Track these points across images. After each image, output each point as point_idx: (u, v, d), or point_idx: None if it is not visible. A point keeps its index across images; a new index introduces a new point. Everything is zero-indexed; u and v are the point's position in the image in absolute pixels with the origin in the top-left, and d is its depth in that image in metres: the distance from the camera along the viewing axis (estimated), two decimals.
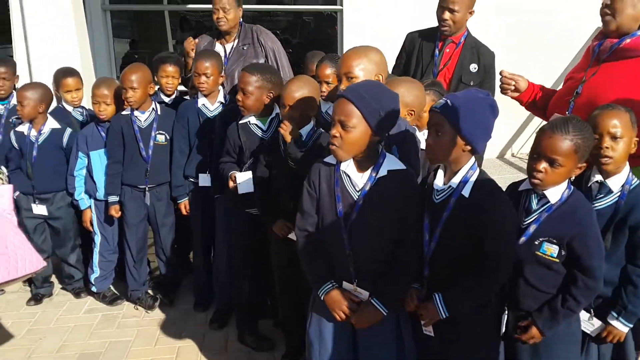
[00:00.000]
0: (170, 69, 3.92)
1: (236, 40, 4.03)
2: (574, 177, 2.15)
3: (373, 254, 2.12)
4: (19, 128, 3.76)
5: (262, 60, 4.00)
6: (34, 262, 2.32)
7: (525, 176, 2.22)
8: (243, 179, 2.93)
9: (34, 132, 3.73)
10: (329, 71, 3.06)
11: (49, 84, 3.91)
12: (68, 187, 3.77)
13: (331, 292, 2.16)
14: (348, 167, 2.14)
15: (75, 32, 4.46)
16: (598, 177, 2.29)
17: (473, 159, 2.08)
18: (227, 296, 3.56)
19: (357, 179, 2.12)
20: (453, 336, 2.11)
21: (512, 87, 3.02)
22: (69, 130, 3.82)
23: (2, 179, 1.99)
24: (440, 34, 3.74)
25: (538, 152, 2.07)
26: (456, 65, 3.71)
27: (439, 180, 2.10)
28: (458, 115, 1.96)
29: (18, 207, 3.80)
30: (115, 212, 3.67)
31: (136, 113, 3.58)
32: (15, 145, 3.74)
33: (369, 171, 2.12)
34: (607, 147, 2.23)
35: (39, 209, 3.79)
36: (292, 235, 2.67)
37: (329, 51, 3.93)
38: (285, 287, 3.00)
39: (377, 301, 2.09)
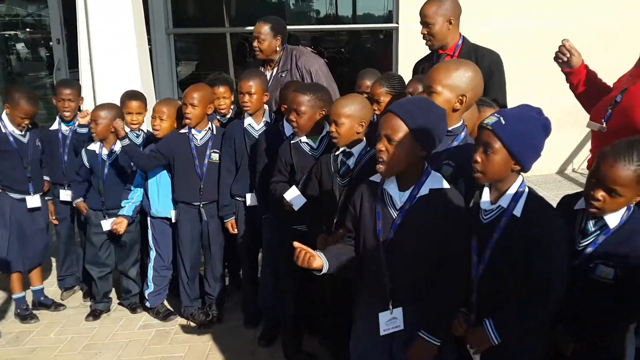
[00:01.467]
0: (221, 89, 4.01)
1: (276, 68, 4.08)
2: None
3: (410, 275, 2.08)
4: (91, 147, 3.94)
5: None
6: None
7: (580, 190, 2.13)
8: (292, 195, 2.95)
9: (105, 151, 3.91)
10: (381, 90, 3.04)
11: None
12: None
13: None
14: (390, 185, 2.11)
15: (138, 56, 4.64)
16: None
17: (521, 177, 2.00)
18: (273, 314, 3.56)
19: (397, 198, 2.09)
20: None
21: (565, 58, 2.89)
22: None
23: None
24: (436, 51, 3.54)
25: (597, 179, 1.98)
26: None
27: (486, 200, 2.03)
28: (511, 134, 1.90)
29: (87, 223, 3.98)
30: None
31: (193, 131, 3.69)
32: (87, 163, 3.93)
33: (410, 190, 2.07)
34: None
35: (108, 224, 3.92)
36: None
37: (384, 69, 3.90)
38: (332, 305, 2.98)
39: (427, 334, 2.04)
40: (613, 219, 2.01)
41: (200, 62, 8.46)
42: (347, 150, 2.75)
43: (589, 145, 6.40)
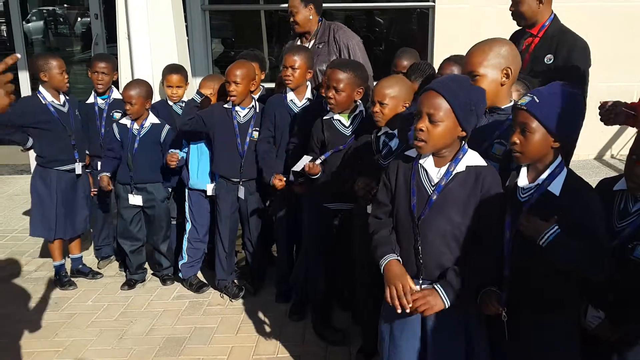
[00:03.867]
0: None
1: (313, 40, 4.08)
2: None
3: (443, 252, 2.06)
4: (122, 121, 4.01)
5: (333, 58, 4.00)
6: None
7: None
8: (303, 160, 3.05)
9: (136, 126, 3.97)
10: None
11: (150, 80, 4.14)
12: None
13: (392, 262, 2.08)
14: (426, 161, 2.09)
15: (174, 32, 4.69)
16: None
17: (560, 156, 1.98)
18: (303, 290, 3.62)
19: (434, 174, 2.07)
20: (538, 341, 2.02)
21: (611, 118, 2.77)
22: (167, 127, 4.03)
23: None
24: (524, 29, 3.46)
25: (638, 154, 1.97)
26: (530, 57, 3.36)
27: (523, 179, 2.01)
28: (546, 111, 1.89)
29: (118, 197, 4.08)
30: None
31: (237, 108, 3.70)
32: (118, 137, 4.00)
33: (446, 166, 2.06)
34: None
35: (135, 199, 4.02)
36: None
37: (420, 48, 3.88)
38: (364, 282, 3.00)
39: (442, 290, 2.00)
40: None
41: (235, 39, 8.47)
42: (390, 131, 2.75)
43: (628, 132, 6.34)
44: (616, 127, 6.52)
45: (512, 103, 2.30)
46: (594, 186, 2.11)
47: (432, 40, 6.51)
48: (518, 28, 3.55)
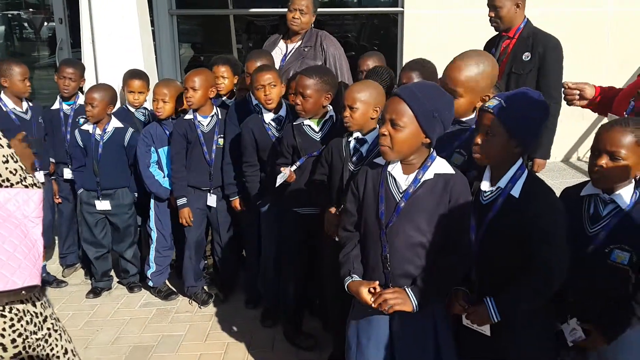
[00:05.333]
0: (221, 69, 3.98)
1: (300, 42, 4.10)
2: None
3: (410, 260, 2.05)
4: (84, 127, 3.92)
5: (319, 63, 4.02)
6: (26, 278, 1.82)
7: (584, 180, 2.13)
8: (281, 175, 3.00)
9: (98, 131, 3.88)
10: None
11: (115, 86, 4.07)
12: (146, 181, 3.84)
13: (351, 282, 2.10)
14: (394, 168, 2.09)
15: (140, 37, 4.63)
16: None
17: (521, 159, 2.01)
18: (273, 296, 3.57)
19: (402, 181, 2.07)
20: (508, 339, 2.03)
21: (577, 97, 2.85)
22: (130, 130, 3.96)
23: (35, 184, 1.91)
24: (500, 33, 3.76)
25: (598, 149, 2.01)
26: (509, 57, 3.68)
27: (486, 182, 2.04)
28: (512, 117, 1.92)
29: (81, 203, 3.99)
30: (187, 217, 3.73)
31: (199, 118, 3.66)
32: (80, 143, 3.91)
33: (414, 173, 2.06)
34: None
35: (103, 205, 3.94)
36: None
37: (390, 54, 3.94)
38: (336, 289, 2.97)
39: (411, 291, 2.00)
40: (623, 199, 2.00)
41: (204, 44, 8.42)
42: (361, 137, 2.74)
43: (594, 133, 6.44)
44: (583, 130, 6.66)
45: (473, 115, 2.34)
46: (558, 193, 2.14)
47: (401, 46, 6.56)
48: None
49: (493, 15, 3.64)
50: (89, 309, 3.90)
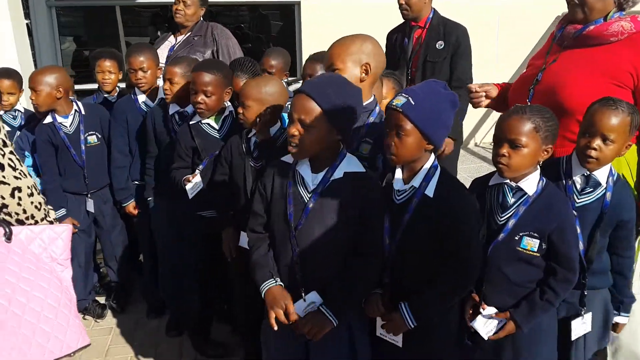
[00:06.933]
0: (107, 63, 3.67)
1: (189, 33, 3.91)
2: (542, 162, 2.04)
3: (322, 262, 1.95)
4: None
5: (208, 52, 3.85)
6: (79, 337, 1.56)
7: (490, 170, 2.12)
8: (192, 184, 2.75)
9: None
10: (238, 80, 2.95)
11: None
12: None
13: (272, 288, 1.96)
14: (302, 166, 1.97)
15: (13, 32, 4.21)
16: (583, 170, 2.11)
17: (433, 156, 1.94)
18: (176, 304, 3.34)
19: (310, 180, 1.95)
20: (416, 339, 1.97)
21: (483, 99, 2.81)
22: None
23: (52, 219, 1.58)
24: (409, 23, 3.82)
25: (499, 138, 2.00)
26: (422, 46, 3.77)
27: (398, 180, 1.96)
28: (422, 114, 1.83)
29: None
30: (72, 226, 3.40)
31: (59, 119, 3.32)
32: None
33: (323, 172, 1.95)
34: (594, 148, 2.04)
35: None
36: (243, 243, 2.52)
37: (288, 45, 3.83)
38: (243, 293, 2.83)
39: (328, 310, 1.91)
40: (529, 186, 2.00)
41: (89, 37, 7.91)
42: None
43: (490, 120, 6.70)
44: (479, 116, 6.89)
45: (372, 99, 2.27)
46: (467, 178, 2.11)
47: (299, 37, 6.46)
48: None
49: (403, 2, 3.73)
50: None
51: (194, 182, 2.74)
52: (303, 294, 1.96)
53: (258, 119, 2.47)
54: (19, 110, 3.76)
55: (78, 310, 3.48)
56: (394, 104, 1.85)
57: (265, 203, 2.06)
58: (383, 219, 1.97)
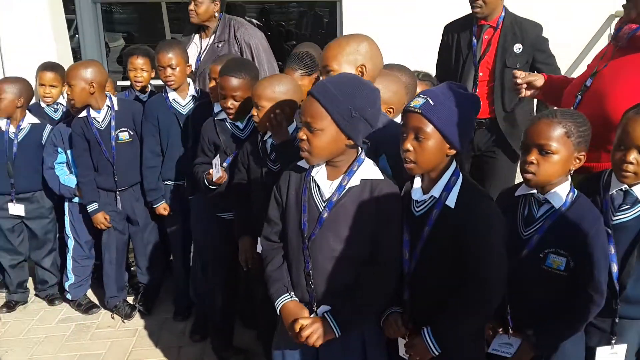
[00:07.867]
0: (139, 61, 3.66)
1: (213, 36, 3.78)
2: (573, 171, 1.88)
3: (335, 275, 1.84)
4: None
5: None
6: None
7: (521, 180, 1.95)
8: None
9: (12, 129, 3.54)
10: (295, 75, 2.81)
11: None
12: (48, 183, 3.54)
13: (287, 304, 1.88)
14: (318, 173, 1.86)
15: (52, 27, 4.26)
16: (621, 185, 1.93)
17: (455, 163, 1.79)
18: (204, 301, 3.27)
19: (326, 188, 1.85)
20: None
21: (523, 90, 2.63)
22: (49, 127, 3.64)
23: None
24: (476, 21, 3.40)
25: (527, 144, 1.85)
26: (497, 50, 3.35)
27: (417, 189, 1.82)
28: (443, 115, 1.69)
29: None
30: (103, 221, 3.42)
31: (93, 114, 3.33)
32: None
33: (339, 179, 1.84)
34: (631, 162, 1.86)
35: (16, 209, 3.59)
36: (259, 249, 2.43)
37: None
38: (266, 297, 2.75)
39: (332, 318, 1.81)
40: (557, 198, 1.84)
41: (137, 33, 8.00)
42: None
43: None
44: None
45: None
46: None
47: (340, 34, 6.33)
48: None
49: None
50: (0, 326, 3.55)
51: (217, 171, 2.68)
52: (315, 308, 1.88)
53: (267, 122, 2.38)
54: (60, 104, 3.84)
55: (108, 308, 3.52)
56: (411, 105, 1.72)
57: (281, 210, 1.98)
58: (400, 227, 1.84)
